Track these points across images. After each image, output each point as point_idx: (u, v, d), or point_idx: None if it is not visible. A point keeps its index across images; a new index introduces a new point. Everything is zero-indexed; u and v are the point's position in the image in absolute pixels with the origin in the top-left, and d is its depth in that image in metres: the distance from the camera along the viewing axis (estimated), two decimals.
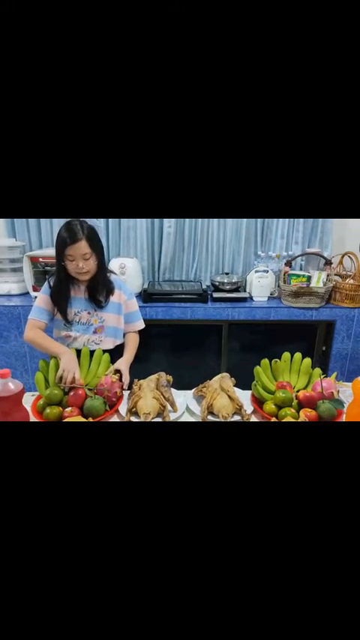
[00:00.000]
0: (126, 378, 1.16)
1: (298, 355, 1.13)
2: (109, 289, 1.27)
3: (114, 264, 1.92)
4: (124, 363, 1.22)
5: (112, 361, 1.20)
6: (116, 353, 1.28)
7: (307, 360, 1.12)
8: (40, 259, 1.83)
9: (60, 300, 1.23)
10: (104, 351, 1.20)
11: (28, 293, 1.91)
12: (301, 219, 2.06)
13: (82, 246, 1.13)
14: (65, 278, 1.22)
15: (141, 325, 1.38)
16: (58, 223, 1.19)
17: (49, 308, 1.25)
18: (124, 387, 1.13)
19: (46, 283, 1.25)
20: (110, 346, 1.29)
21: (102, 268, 1.23)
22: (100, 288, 1.24)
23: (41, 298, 1.25)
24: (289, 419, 0.93)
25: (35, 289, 1.86)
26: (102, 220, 2.05)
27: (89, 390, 1.03)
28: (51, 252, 1.78)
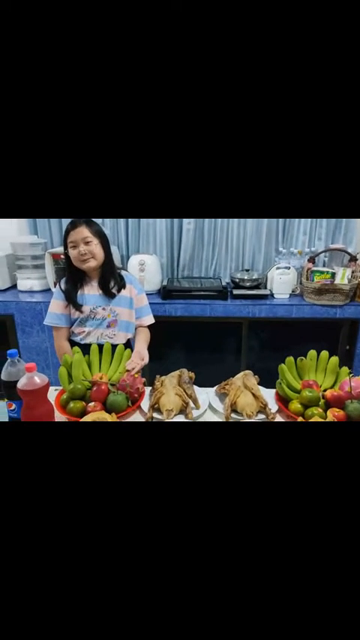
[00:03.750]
0: (146, 355, 1.21)
1: (324, 353, 1.09)
2: (121, 284, 1.28)
3: (133, 261, 1.92)
4: (143, 352, 1.23)
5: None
6: (127, 347, 1.28)
7: (334, 359, 1.08)
8: (62, 256, 1.84)
9: (74, 298, 1.24)
10: (116, 346, 1.20)
11: (49, 289, 1.94)
12: None
13: (82, 230, 1.17)
14: (76, 274, 1.24)
15: (150, 320, 1.38)
16: None
17: (65, 311, 1.27)
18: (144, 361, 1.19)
19: (57, 288, 1.28)
20: (122, 340, 1.30)
21: (109, 258, 1.25)
22: (109, 278, 1.26)
23: (55, 303, 1.27)
24: (316, 419, 0.90)
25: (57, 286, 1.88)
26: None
27: (111, 385, 1.03)
28: None
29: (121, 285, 1.29)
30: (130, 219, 2.07)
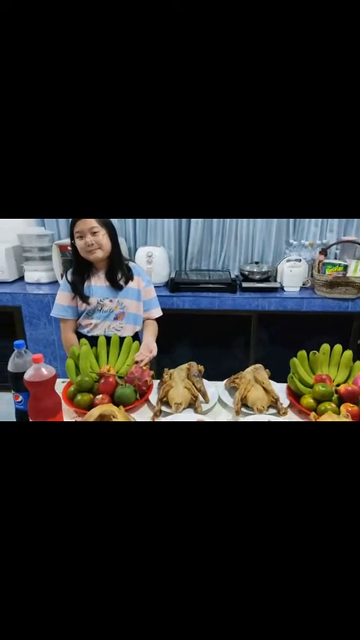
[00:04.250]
0: (154, 348, 1.19)
1: (338, 347, 1.06)
2: (128, 275, 1.26)
3: (141, 253, 1.90)
4: (151, 344, 1.21)
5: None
6: (134, 340, 1.26)
7: (348, 353, 1.05)
8: (69, 248, 1.82)
9: (80, 290, 1.22)
10: (124, 338, 1.18)
11: (57, 281, 1.93)
12: None
13: (89, 220, 1.14)
14: (83, 265, 1.22)
15: (158, 313, 1.36)
16: None
17: (72, 303, 1.25)
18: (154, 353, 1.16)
19: (63, 279, 1.25)
20: (130, 333, 1.27)
21: (116, 249, 1.23)
22: (117, 269, 1.23)
23: (62, 295, 1.25)
24: (329, 414, 0.88)
25: None
26: None
27: (120, 378, 1.01)
28: None
29: (129, 276, 1.26)
30: None
